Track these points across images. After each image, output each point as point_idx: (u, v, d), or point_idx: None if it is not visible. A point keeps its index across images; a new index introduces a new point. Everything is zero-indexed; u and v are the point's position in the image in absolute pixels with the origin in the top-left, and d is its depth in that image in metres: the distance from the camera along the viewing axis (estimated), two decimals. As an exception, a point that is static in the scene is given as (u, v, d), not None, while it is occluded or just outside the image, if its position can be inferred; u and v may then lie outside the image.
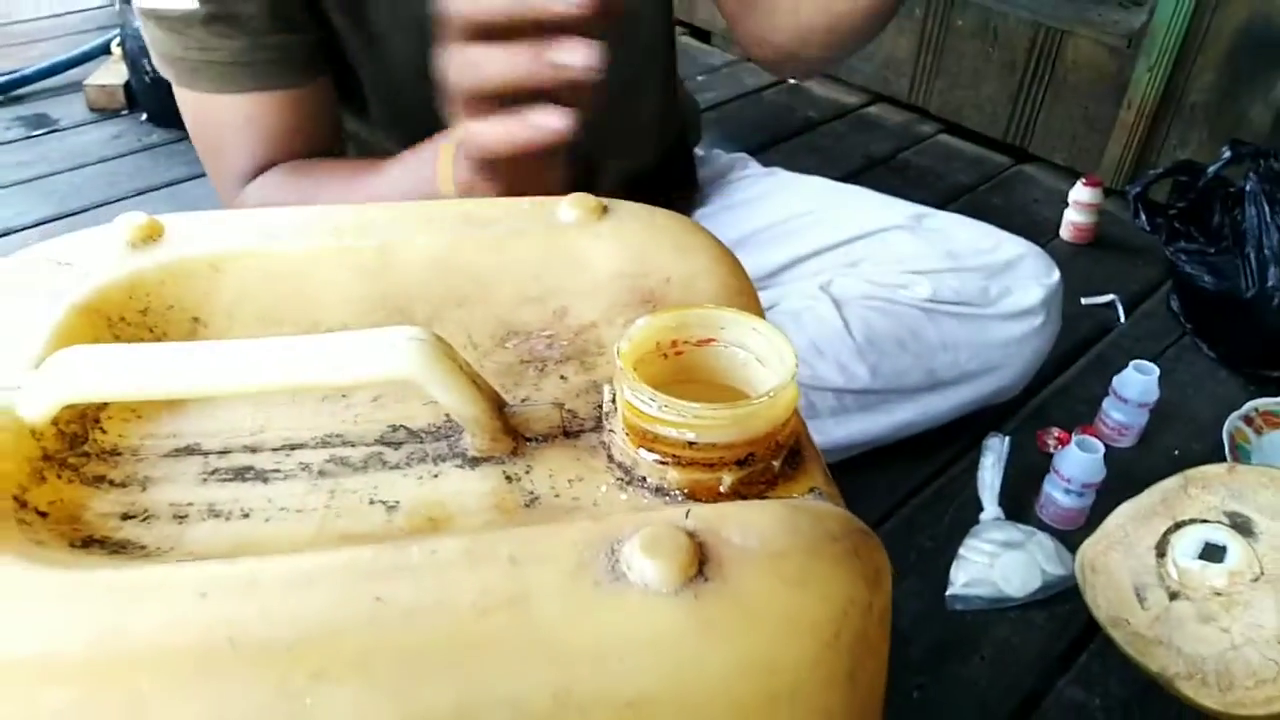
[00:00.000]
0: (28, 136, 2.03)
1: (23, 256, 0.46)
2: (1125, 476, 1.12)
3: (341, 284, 0.47)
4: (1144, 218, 1.41)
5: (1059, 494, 1.11)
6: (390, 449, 0.42)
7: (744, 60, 2.45)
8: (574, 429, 0.42)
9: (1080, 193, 1.71)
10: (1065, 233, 1.75)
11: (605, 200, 0.52)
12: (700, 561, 0.31)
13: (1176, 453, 1.25)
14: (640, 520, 0.33)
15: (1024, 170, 2.00)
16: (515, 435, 0.41)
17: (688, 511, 0.33)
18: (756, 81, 2.35)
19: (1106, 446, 1.10)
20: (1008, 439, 1.17)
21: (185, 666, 0.28)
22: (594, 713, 0.28)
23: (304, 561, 0.31)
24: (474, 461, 0.40)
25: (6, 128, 2.05)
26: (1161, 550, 0.93)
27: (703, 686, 0.29)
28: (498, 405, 0.40)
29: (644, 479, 0.39)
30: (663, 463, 0.38)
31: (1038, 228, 1.76)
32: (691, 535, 0.31)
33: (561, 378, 0.46)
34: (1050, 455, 1.19)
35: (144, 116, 2.10)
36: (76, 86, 2.16)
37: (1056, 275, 1.14)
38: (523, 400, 0.43)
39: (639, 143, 1.09)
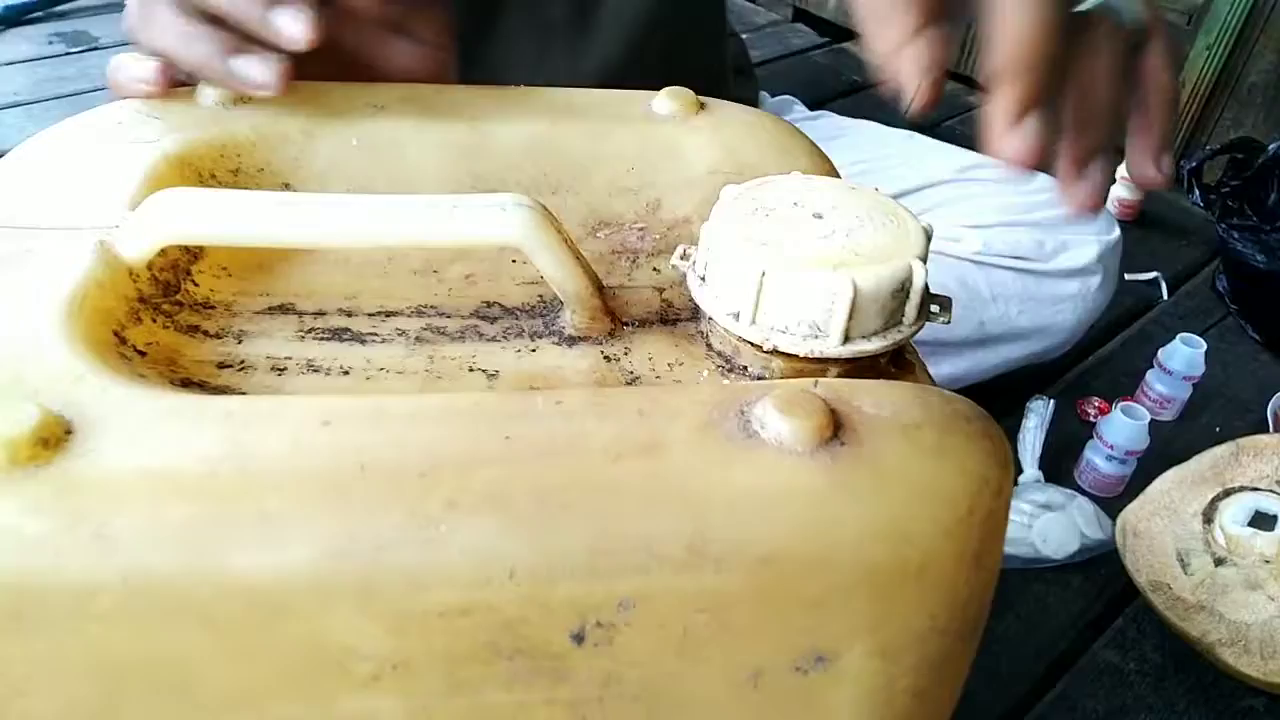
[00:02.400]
0: (67, 53, 2.00)
1: (113, 107, 0.45)
2: (1166, 449, 1.11)
3: (434, 161, 0.46)
4: (1197, 194, 1.39)
5: (1100, 460, 1.09)
6: (485, 323, 0.41)
7: (789, 20, 2.42)
8: (670, 317, 0.41)
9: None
10: (1111, 208, 1.72)
11: (702, 97, 0.51)
12: (835, 425, 0.30)
13: (1218, 429, 1.24)
14: (766, 387, 0.32)
15: (1069, 146, 1.97)
16: (613, 317, 0.40)
17: (815, 381, 0.32)
18: (802, 42, 2.32)
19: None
20: (1052, 402, 1.16)
21: (314, 488, 0.27)
22: (728, 564, 0.28)
23: (427, 400, 0.30)
24: (571, 340, 0.40)
25: (49, 42, 2.03)
26: (1209, 517, 0.92)
27: (836, 549, 0.28)
28: (598, 284, 0.39)
29: (745, 367, 0.38)
30: (768, 352, 0.37)
31: (1082, 203, 1.74)
32: (824, 400, 0.30)
33: (654, 270, 0.45)
34: (1090, 424, 1.18)
35: (183, 38, 2.07)
36: (118, 5, 2.13)
37: (1116, 233, 1.12)
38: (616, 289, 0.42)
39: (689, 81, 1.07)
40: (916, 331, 0.37)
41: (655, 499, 0.28)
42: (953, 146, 1.18)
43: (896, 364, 0.39)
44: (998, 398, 1.19)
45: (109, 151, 0.41)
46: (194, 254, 0.40)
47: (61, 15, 2.13)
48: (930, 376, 0.39)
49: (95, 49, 2.03)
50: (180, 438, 0.28)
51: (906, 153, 1.18)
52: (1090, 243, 1.10)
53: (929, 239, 0.37)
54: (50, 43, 2.03)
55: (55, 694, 0.28)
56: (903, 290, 0.35)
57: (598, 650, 0.29)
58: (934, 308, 0.38)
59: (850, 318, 0.34)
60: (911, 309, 0.36)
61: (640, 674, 0.29)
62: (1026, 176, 1.14)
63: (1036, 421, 1.14)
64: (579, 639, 0.28)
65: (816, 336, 0.35)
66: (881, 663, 0.30)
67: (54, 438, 0.27)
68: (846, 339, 0.35)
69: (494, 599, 0.27)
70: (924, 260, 0.35)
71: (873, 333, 0.36)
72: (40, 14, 2.12)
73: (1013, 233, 1.08)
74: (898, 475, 0.29)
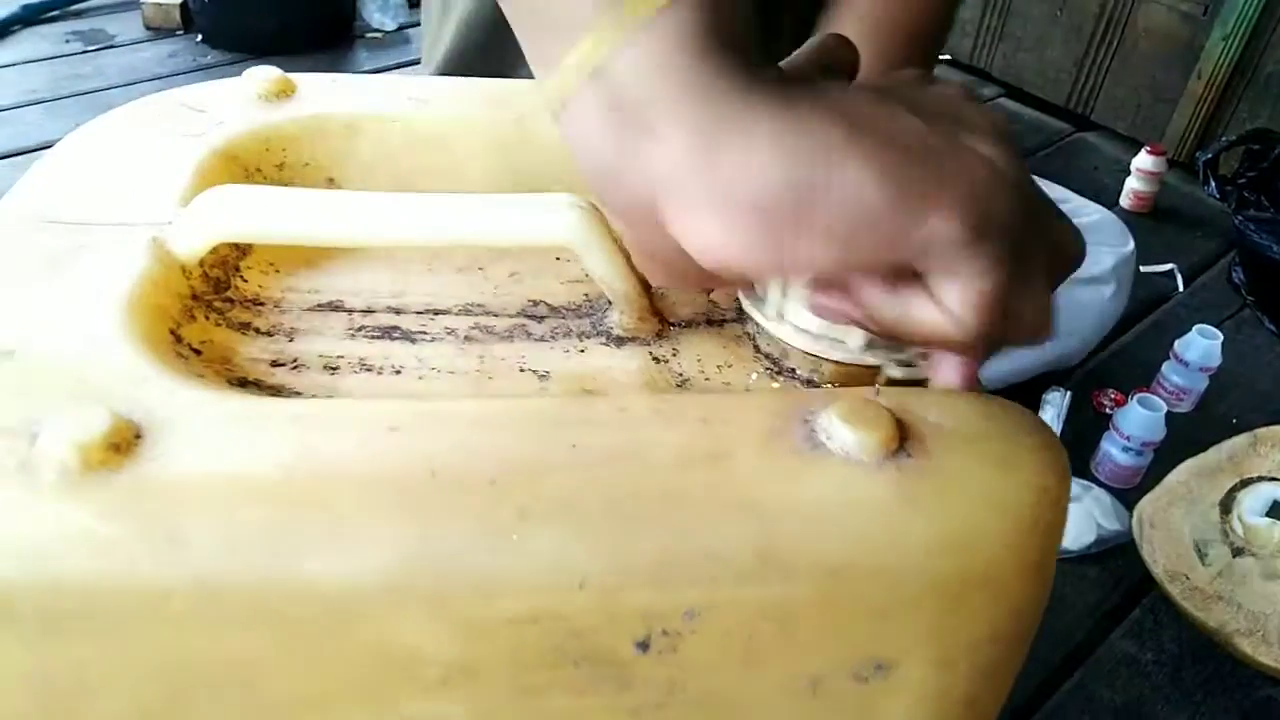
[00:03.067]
0: (84, 51, 2.03)
1: (155, 99, 0.45)
2: (1182, 440, 1.11)
3: (477, 155, 0.46)
4: (1213, 185, 1.38)
5: (1117, 451, 1.10)
6: (533, 322, 0.41)
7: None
8: (716, 317, 0.41)
9: (1144, 160, 1.69)
10: (1125, 201, 1.72)
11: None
12: (901, 437, 0.30)
13: (1235, 420, 1.24)
14: (828, 395, 0.32)
15: (1085, 138, 1.97)
16: (660, 318, 0.40)
17: (877, 389, 0.32)
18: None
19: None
20: (1068, 393, 1.16)
21: (386, 494, 0.27)
22: (795, 574, 0.28)
23: (490, 405, 0.30)
24: (619, 340, 0.39)
25: (66, 40, 2.06)
26: (1227, 507, 0.92)
27: (902, 560, 0.28)
28: (645, 284, 0.39)
29: (794, 370, 0.38)
30: (818, 356, 0.37)
31: (1097, 195, 1.73)
32: (889, 410, 0.30)
33: None
34: (1105, 416, 1.18)
35: (199, 37, 2.09)
36: (134, 4, 2.15)
37: (1131, 245, 1.13)
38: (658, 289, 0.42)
39: None
40: None
41: (722, 509, 0.28)
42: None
43: None
44: (1014, 390, 1.19)
45: (155, 145, 0.41)
46: (242, 250, 0.40)
47: (78, 14, 2.15)
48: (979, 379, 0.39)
49: (111, 47, 2.05)
50: (249, 441, 0.28)
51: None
52: (1105, 253, 1.10)
53: None
54: (67, 41, 2.05)
55: (125, 695, 0.28)
56: None
57: (662, 658, 0.29)
58: None
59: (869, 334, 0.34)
60: None
61: (702, 682, 0.30)
62: (1046, 184, 1.14)
63: (1053, 413, 1.14)
64: (644, 647, 0.28)
65: (869, 344, 0.35)
66: (939, 671, 0.31)
67: (125, 442, 0.27)
68: (868, 348, 0.35)
69: (562, 607, 0.27)
70: None
71: (889, 346, 0.36)
72: (58, 12, 2.13)
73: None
74: (963, 487, 0.29)
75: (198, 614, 0.26)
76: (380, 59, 2.06)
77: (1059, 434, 1.13)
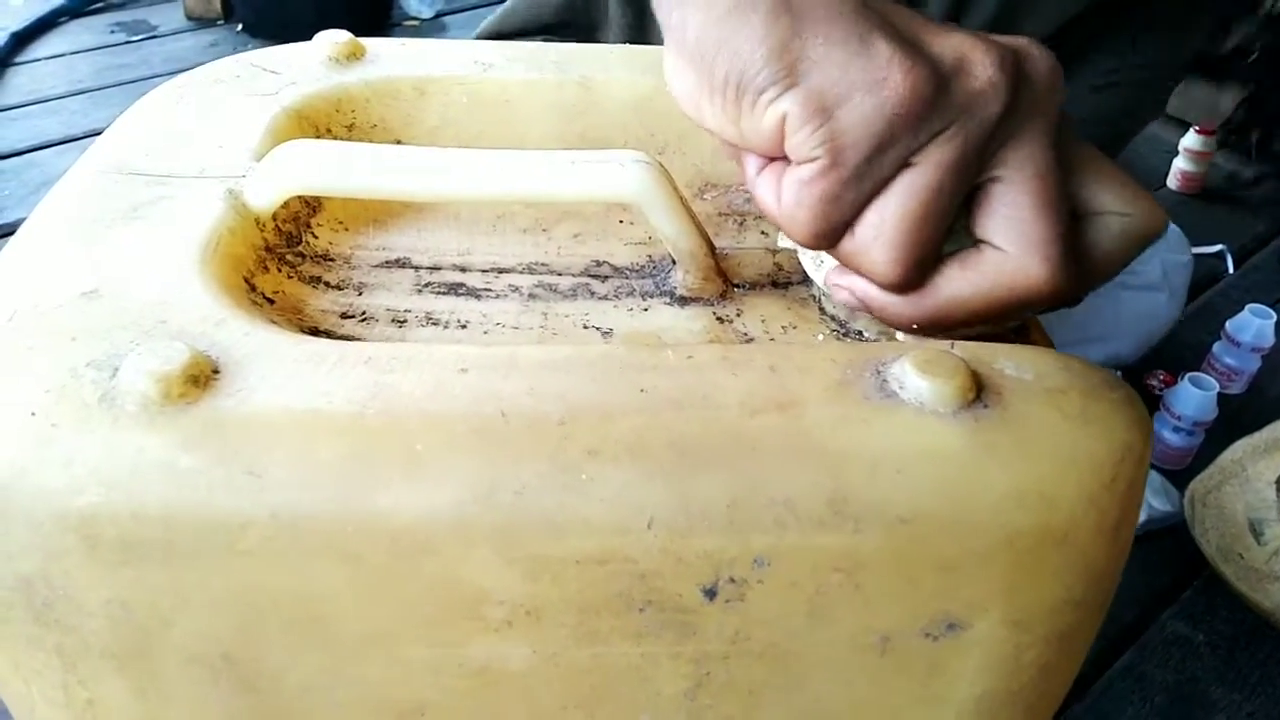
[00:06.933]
0: (128, 41, 2.06)
1: (230, 61, 0.45)
2: (1233, 422, 1.09)
3: (542, 118, 0.46)
4: (1266, 164, 1.36)
5: (1168, 432, 1.08)
6: (596, 281, 0.41)
7: None
8: (782, 280, 0.41)
9: (1192, 140, 1.66)
10: (1173, 182, 1.69)
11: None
12: (977, 387, 0.29)
13: (1288, 402, 1.22)
14: (900, 346, 0.32)
15: (1132, 115, 1.94)
16: (724, 278, 0.40)
17: (953, 343, 0.32)
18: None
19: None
20: (1118, 374, 1.15)
21: (459, 432, 0.27)
22: (866, 523, 0.27)
23: (558, 351, 0.30)
24: (683, 300, 0.40)
25: (111, 31, 2.09)
26: (1283, 486, 0.91)
27: (977, 512, 0.28)
28: (710, 244, 0.39)
29: (860, 332, 0.37)
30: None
31: (1143, 176, 1.71)
32: (965, 361, 0.30)
33: (762, 233, 0.45)
34: (1155, 398, 1.16)
35: (240, 27, 2.12)
36: (174, -10, 2.18)
37: (1188, 256, 1.11)
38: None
39: None
40: None
41: (793, 455, 0.28)
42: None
43: (1018, 333, 0.39)
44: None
45: (229, 104, 0.42)
46: (313, 207, 0.41)
47: (121, 5, 2.19)
48: (1052, 343, 0.39)
49: (154, 37, 2.09)
50: (324, 380, 0.28)
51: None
52: (1155, 259, 1.09)
53: None
54: (112, 32, 2.09)
55: (198, 625, 0.28)
56: None
57: (729, 606, 0.29)
58: None
59: None
60: None
61: (768, 633, 0.30)
62: None
63: (1103, 392, 1.13)
64: (711, 594, 0.28)
65: None
66: (1013, 632, 0.30)
67: (203, 376, 0.28)
68: None
69: (630, 549, 0.27)
70: None
71: None
72: (102, 4, 2.17)
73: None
74: (1042, 440, 0.29)
75: (272, 546, 0.27)
76: (416, 48, 2.07)
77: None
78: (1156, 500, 1.01)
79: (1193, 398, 1.06)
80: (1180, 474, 1.07)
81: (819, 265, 0.37)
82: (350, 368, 0.29)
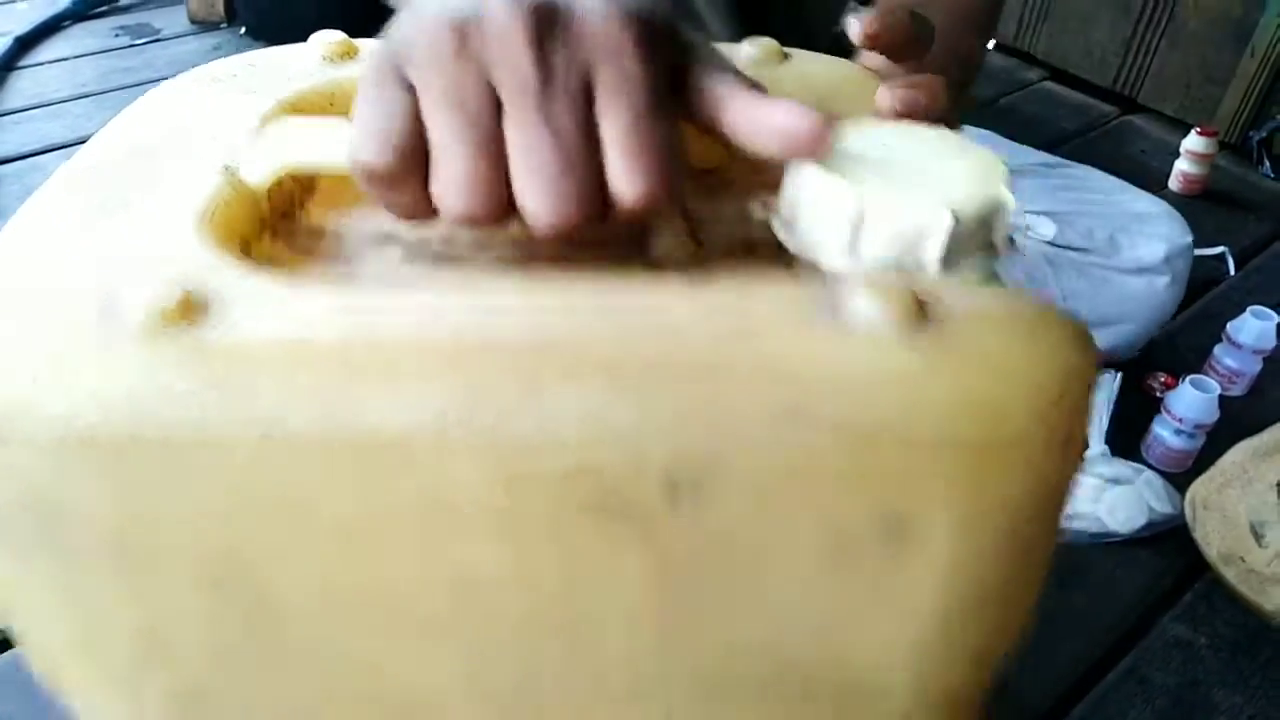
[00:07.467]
0: (131, 45, 2.08)
1: (228, 60, 0.47)
2: (1235, 424, 1.09)
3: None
4: (1267, 164, 1.36)
5: (1168, 434, 1.08)
6: (574, 249, 0.41)
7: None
8: (753, 242, 0.42)
9: (1194, 142, 1.66)
10: (1175, 184, 1.70)
11: (786, 49, 0.51)
12: (922, 310, 0.31)
13: (1289, 405, 1.22)
14: (853, 279, 0.33)
15: (1131, 120, 1.94)
16: (697, 241, 0.41)
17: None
18: (859, 17, 2.30)
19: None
20: (1119, 375, 1.15)
21: (439, 356, 0.29)
22: (820, 432, 0.29)
23: (533, 287, 0.32)
24: (656, 263, 0.40)
25: (114, 34, 2.11)
26: (1284, 489, 0.90)
27: (927, 422, 0.29)
28: (683, 207, 0.40)
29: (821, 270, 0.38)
30: None
31: (1146, 179, 1.71)
32: (912, 289, 0.31)
33: (740, 210, 0.45)
34: (1156, 400, 1.16)
35: (242, 30, 2.14)
36: (178, -4, 2.20)
37: (1189, 238, 1.12)
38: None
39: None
40: (1001, 260, 0.37)
41: (751, 375, 0.29)
42: (1031, 150, 1.18)
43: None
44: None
45: (225, 100, 0.43)
46: (306, 188, 0.42)
47: (125, 9, 2.20)
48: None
49: (157, 40, 2.10)
50: (311, 314, 0.30)
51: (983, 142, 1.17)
52: (1160, 244, 1.10)
53: (1009, 175, 0.37)
54: (115, 35, 2.11)
55: (195, 539, 0.30)
56: (992, 220, 0.35)
57: (691, 513, 0.30)
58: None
59: (948, 248, 0.34)
60: (1000, 239, 0.36)
61: (728, 539, 0.31)
62: (1107, 177, 1.12)
63: (1103, 395, 1.13)
64: (673, 500, 0.30)
65: (915, 269, 0.35)
66: (965, 537, 0.31)
67: (197, 308, 0.30)
68: (945, 269, 0.35)
69: (597, 461, 0.29)
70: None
71: (965, 263, 0.36)
72: (105, 7, 2.18)
73: (1085, 221, 1.07)
74: (988, 357, 0.30)
75: (263, 463, 0.29)
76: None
77: (1109, 417, 1.11)
78: (1158, 503, 1.01)
79: (1194, 400, 1.06)
80: (1181, 477, 1.07)
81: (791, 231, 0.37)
82: (336, 305, 0.31)
